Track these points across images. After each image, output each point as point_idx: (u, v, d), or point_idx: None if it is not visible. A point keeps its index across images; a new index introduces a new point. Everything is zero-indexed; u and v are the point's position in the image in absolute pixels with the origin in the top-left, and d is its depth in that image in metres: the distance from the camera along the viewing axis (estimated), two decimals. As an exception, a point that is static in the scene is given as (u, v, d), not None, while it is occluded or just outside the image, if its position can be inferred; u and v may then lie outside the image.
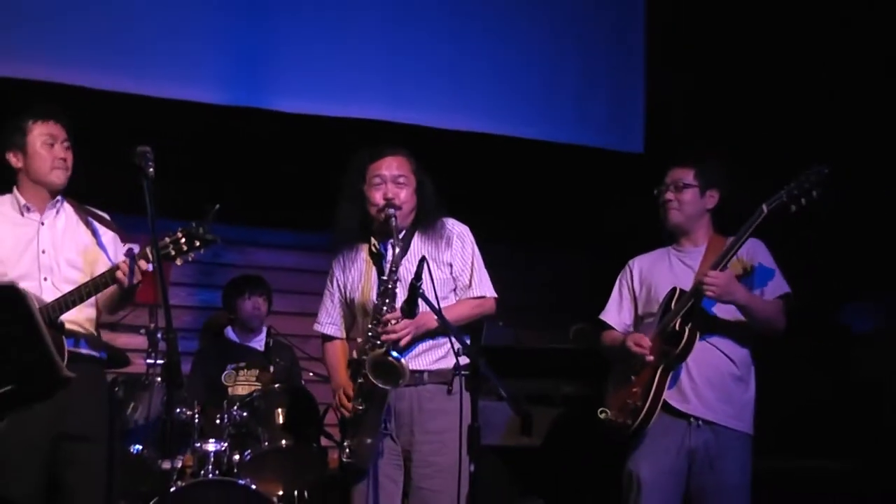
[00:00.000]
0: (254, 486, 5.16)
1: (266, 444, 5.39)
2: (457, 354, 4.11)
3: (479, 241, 4.50)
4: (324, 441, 5.75)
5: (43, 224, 4.32)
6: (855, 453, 6.13)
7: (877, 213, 6.56)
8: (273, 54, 6.70)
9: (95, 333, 4.38)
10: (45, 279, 4.24)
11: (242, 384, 5.95)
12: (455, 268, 4.39)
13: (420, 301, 4.07)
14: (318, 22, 6.79)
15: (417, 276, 4.02)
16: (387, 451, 4.26)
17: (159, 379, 5.29)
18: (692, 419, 4.36)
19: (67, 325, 4.16)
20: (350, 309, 4.45)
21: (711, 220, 4.57)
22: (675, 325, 4.33)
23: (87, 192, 4.52)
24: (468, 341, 4.22)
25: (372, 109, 6.77)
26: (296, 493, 5.61)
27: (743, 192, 4.48)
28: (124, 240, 4.32)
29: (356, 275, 4.40)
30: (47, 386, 4.01)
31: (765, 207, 4.23)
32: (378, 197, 4.30)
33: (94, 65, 6.24)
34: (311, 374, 6.10)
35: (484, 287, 4.42)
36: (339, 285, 4.46)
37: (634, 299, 4.63)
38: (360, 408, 4.19)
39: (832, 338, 6.66)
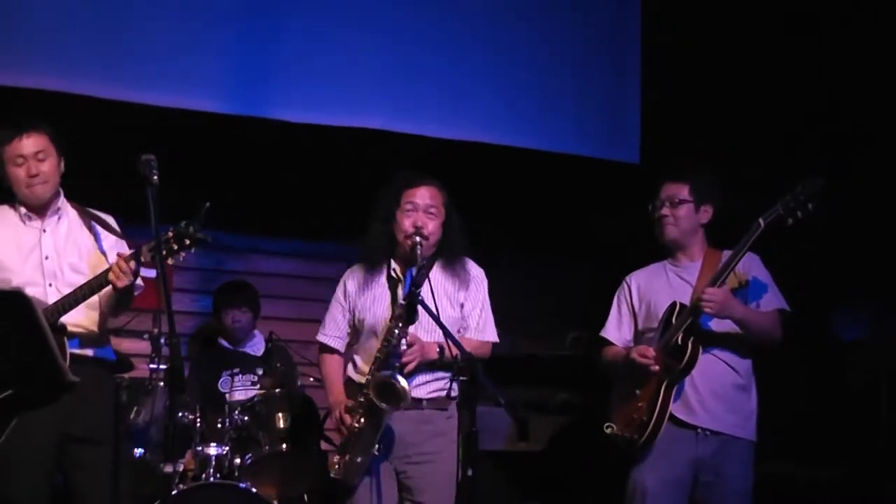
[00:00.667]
0: (254, 490, 5.17)
1: (266, 448, 5.41)
2: (452, 379, 4.16)
3: (478, 250, 4.53)
4: (324, 445, 5.77)
5: (45, 231, 4.34)
6: (846, 461, 6.14)
7: (866, 223, 6.57)
8: (275, 65, 6.70)
9: (100, 336, 4.39)
10: (50, 285, 4.27)
11: (239, 390, 5.96)
12: (466, 308, 4.44)
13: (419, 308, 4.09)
14: (319, 33, 6.79)
15: (417, 282, 4.05)
16: (382, 469, 4.28)
17: (162, 383, 5.31)
18: (699, 430, 4.38)
19: (70, 328, 4.19)
20: (357, 327, 4.47)
21: (705, 234, 4.59)
22: (677, 339, 4.35)
23: (90, 200, 4.54)
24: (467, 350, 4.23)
25: (372, 119, 6.78)
26: (296, 496, 5.61)
27: (738, 204, 4.50)
28: (131, 246, 4.29)
29: (371, 297, 4.42)
30: (52, 391, 4.03)
31: (762, 221, 4.26)
32: (408, 224, 4.34)
33: (97, 74, 6.24)
34: (311, 379, 6.10)
35: (488, 332, 4.50)
36: (350, 301, 4.48)
37: (634, 315, 4.65)
38: (357, 425, 4.21)
39: (824, 347, 6.67)
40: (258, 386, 5.95)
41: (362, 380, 4.31)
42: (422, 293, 4.17)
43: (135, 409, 5.33)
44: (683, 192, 4.52)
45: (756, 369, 4.49)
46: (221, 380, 6.05)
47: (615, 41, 7.69)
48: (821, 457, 6.19)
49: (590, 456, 4.67)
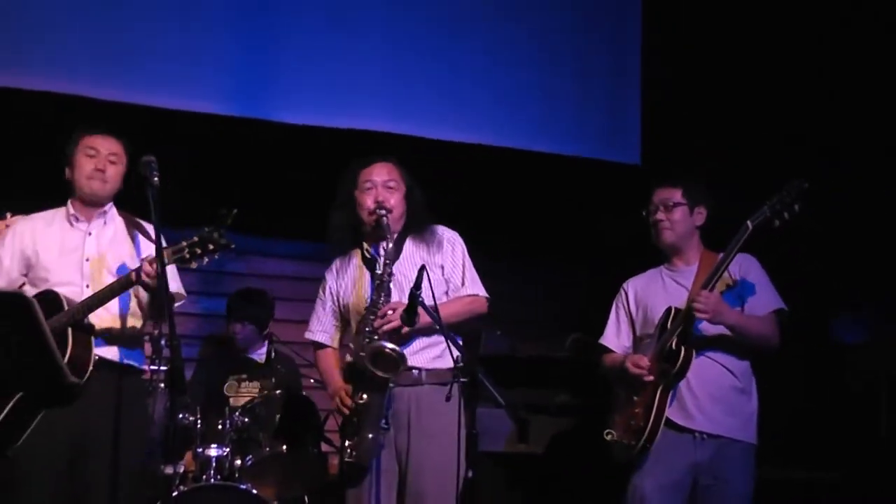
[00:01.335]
0: (254, 491, 5.17)
1: (267, 449, 5.39)
2: (455, 361, 4.13)
3: (478, 253, 4.52)
4: (324, 447, 5.76)
5: (90, 234, 4.40)
6: (846, 463, 6.13)
7: (866, 224, 6.56)
8: (277, 67, 6.73)
9: (129, 340, 4.41)
10: (87, 286, 4.32)
11: (244, 395, 5.96)
12: (446, 269, 4.44)
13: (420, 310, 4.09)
14: (321, 36, 6.81)
15: (417, 284, 4.05)
16: (385, 450, 4.27)
17: (162, 385, 5.30)
18: (697, 434, 4.38)
19: (99, 329, 4.23)
20: (344, 315, 4.48)
21: (700, 236, 4.60)
22: (671, 344, 4.36)
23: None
24: (460, 342, 4.22)
25: (373, 121, 6.79)
26: (296, 498, 5.61)
27: (734, 205, 4.49)
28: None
29: (349, 281, 4.44)
30: (56, 392, 4.04)
31: (749, 224, 4.27)
32: (369, 201, 4.36)
33: (98, 75, 6.26)
34: (312, 380, 6.10)
35: (476, 286, 4.47)
36: (331, 293, 4.50)
37: (632, 321, 4.65)
38: (361, 401, 4.21)
39: (823, 349, 6.67)
40: (259, 387, 5.96)
41: (360, 352, 4.30)
42: (399, 269, 4.23)
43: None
44: (676, 195, 4.53)
45: (755, 371, 4.49)
46: (227, 384, 6.06)
47: (615, 41, 7.70)
48: (820, 460, 6.18)
49: (590, 458, 4.66)
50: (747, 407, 4.44)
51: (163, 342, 5.45)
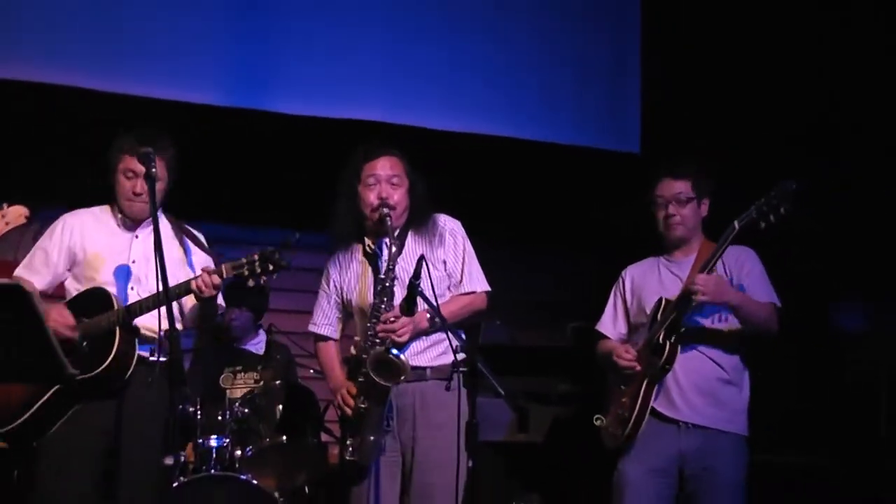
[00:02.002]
0: (255, 481, 5.18)
1: (267, 439, 5.42)
2: (455, 351, 4.13)
3: (477, 242, 4.51)
4: (324, 437, 5.77)
5: (136, 237, 4.43)
6: (846, 453, 6.15)
7: (866, 218, 6.56)
8: (273, 57, 6.73)
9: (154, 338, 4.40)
10: (132, 288, 4.36)
11: (240, 387, 5.97)
12: (448, 263, 4.41)
13: (419, 299, 4.09)
14: (317, 25, 6.81)
15: (416, 274, 4.04)
16: (387, 448, 4.28)
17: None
18: (681, 424, 4.39)
19: (143, 332, 4.26)
20: (347, 310, 4.47)
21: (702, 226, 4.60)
22: (658, 337, 4.37)
23: (90, 194, 4.55)
24: (463, 336, 4.23)
25: (370, 111, 6.79)
26: (296, 488, 5.62)
27: (736, 194, 4.49)
28: (217, 263, 4.28)
29: (352, 276, 4.42)
30: (53, 383, 4.07)
31: (736, 224, 4.26)
32: (372, 197, 4.33)
33: (92, 66, 6.27)
34: (311, 371, 6.11)
35: (475, 282, 4.44)
36: (335, 286, 4.47)
37: (626, 309, 4.66)
38: (363, 406, 4.20)
39: (823, 341, 6.67)
40: (258, 377, 5.96)
41: (362, 355, 4.30)
42: (401, 265, 4.20)
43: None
44: (688, 188, 4.50)
45: (749, 364, 4.48)
46: (223, 376, 6.06)
47: (615, 29, 7.69)
48: (820, 449, 6.19)
49: (590, 447, 4.67)
50: (736, 399, 4.44)
51: (161, 333, 5.49)
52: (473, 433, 3.90)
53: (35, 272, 4.43)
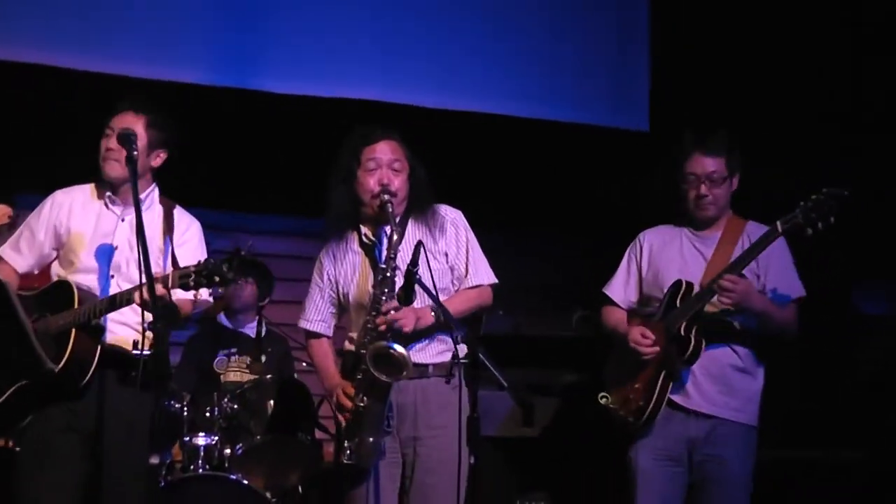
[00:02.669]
0: (246, 481, 5.19)
1: (258, 437, 5.43)
2: (455, 342, 4.13)
3: (477, 225, 4.50)
4: (318, 434, 5.78)
5: (123, 220, 4.34)
6: (863, 443, 6.15)
7: (888, 199, 6.56)
8: (261, 34, 6.71)
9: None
10: (112, 276, 4.27)
11: (234, 370, 5.98)
12: (450, 256, 4.39)
13: (417, 288, 4.09)
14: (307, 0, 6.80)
15: (413, 261, 4.04)
16: (387, 449, 4.26)
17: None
18: (690, 411, 4.41)
19: (111, 325, 4.20)
20: (342, 303, 4.43)
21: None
22: (679, 327, 4.36)
23: (73, 177, 4.53)
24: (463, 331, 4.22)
25: (365, 90, 6.78)
26: (289, 488, 5.63)
27: (751, 172, 4.49)
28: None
29: (348, 268, 4.38)
30: (33, 379, 4.05)
31: (779, 226, 4.24)
32: (372, 182, 4.29)
33: (74, 44, 6.25)
34: (304, 364, 6.11)
35: (481, 275, 4.42)
36: (329, 279, 4.43)
37: (641, 277, 4.64)
38: (362, 404, 4.18)
39: (843, 325, 6.67)
40: (249, 370, 5.98)
41: (360, 350, 4.28)
42: (401, 255, 4.15)
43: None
44: (722, 167, 4.48)
45: (765, 353, 4.49)
46: (217, 359, 6.07)
47: (622, 1, 7.66)
48: (840, 439, 6.20)
49: (599, 441, 4.68)
50: (749, 388, 4.45)
51: (146, 326, 5.49)
52: (475, 428, 3.90)
53: (19, 251, 4.38)
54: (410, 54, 7.05)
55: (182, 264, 4.21)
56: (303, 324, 4.50)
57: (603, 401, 4.53)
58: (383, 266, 4.21)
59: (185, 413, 5.43)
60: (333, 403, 4.32)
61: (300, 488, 5.66)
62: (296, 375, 6.14)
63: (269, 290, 6.40)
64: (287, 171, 6.72)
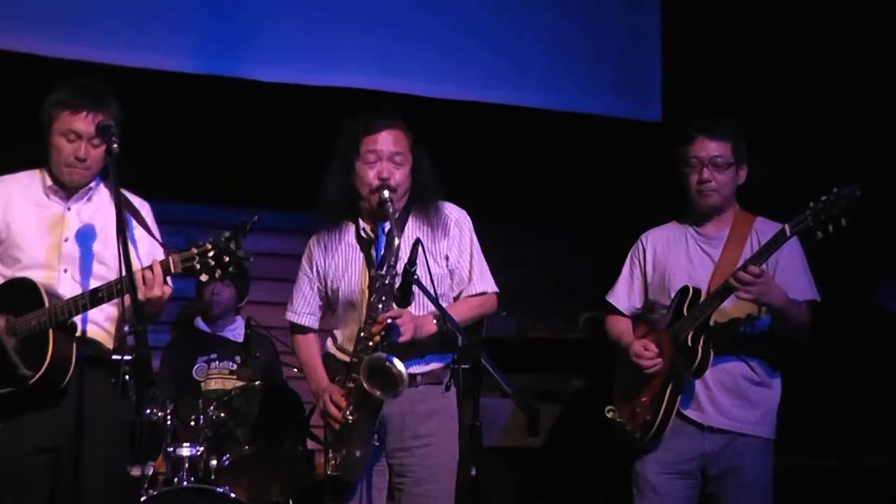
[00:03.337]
0: (232, 494, 5.19)
1: (246, 447, 5.44)
2: (454, 350, 4.12)
3: (479, 221, 4.49)
4: (310, 444, 5.77)
5: (69, 210, 4.27)
6: (887, 448, 6.15)
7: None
8: (248, 17, 6.69)
9: (118, 336, 4.34)
10: (65, 270, 4.20)
11: (215, 378, 5.99)
12: (452, 259, 4.37)
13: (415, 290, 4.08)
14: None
15: (412, 260, 4.01)
16: (373, 460, 4.25)
17: (127, 377, 5.29)
18: (706, 426, 4.40)
19: (85, 328, 4.15)
20: (330, 299, 4.41)
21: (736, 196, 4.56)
22: (687, 337, 4.34)
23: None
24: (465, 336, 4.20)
25: (359, 78, 6.75)
26: (279, 501, 5.62)
27: (766, 165, 4.47)
28: (167, 252, 4.08)
29: (340, 261, 4.37)
30: (15, 387, 4.02)
31: (787, 230, 4.18)
32: (372, 175, 4.27)
33: (52, 31, 6.23)
34: (294, 369, 6.10)
35: (485, 282, 4.41)
36: (319, 271, 4.42)
37: (645, 282, 4.63)
38: (351, 418, 4.17)
39: (865, 324, 6.66)
40: (236, 377, 5.96)
41: (345, 358, 4.27)
42: (402, 258, 4.11)
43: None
44: (727, 152, 4.45)
45: (780, 362, 4.47)
46: (196, 366, 6.08)
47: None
48: (862, 446, 6.20)
49: (607, 452, 4.68)
50: (768, 400, 4.45)
51: (126, 328, 5.48)
52: (477, 438, 3.89)
53: None
54: (408, 39, 7.03)
55: (141, 250, 4.16)
56: (289, 316, 4.49)
57: (610, 414, 4.54)
58: (382, 273, 4.17)
59: (169, 422, 5.43)
60: (319, 408, 4.31)
61: (291, 502, 5.66)
62: (285, 381, 6.14)
63: (247, 290, 6.40)
64: (275, 165, 6.72)
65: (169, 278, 4.04)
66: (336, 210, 4.38)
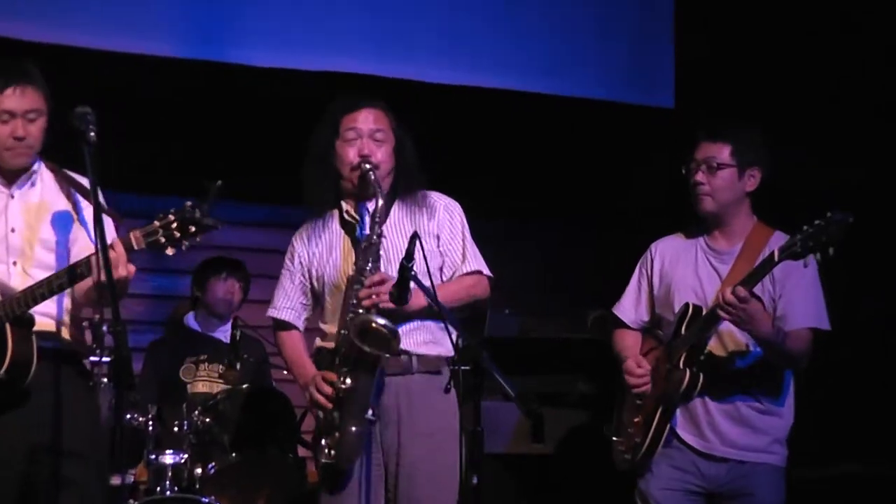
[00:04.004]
0: (218, 504, 5.19)
1: (233, 454, 5.42)
2: (455, 345, 4.11)
3: (481, 213, 4.50)
4: (301, 451, 5.76)
5: (13, 197, 4.20)
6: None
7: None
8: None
9: (74, 328, 4.26)
10: (15, 263, 4.13)
11: (203, 380, 5.99)
12: (443, 239, 4.40)
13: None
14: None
15: (408, 255, 4.02)
16: (370, 463, 4.25)
17: (106, 379, 5.30)
18: (707, 454, 4.38)
19: (40, 319, 4.07)
20: (316, 291, 4.44)
21: (751, 205, 4.49)
22: (679, 359, 4.32)
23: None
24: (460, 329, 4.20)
25: (353, 62, 6.80)
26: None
27: (785, 159, 4.44)
28: (118, 222, 4.06)
29: (324, 248, 4.40)
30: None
31: (776, 255, 4.11)
32: (352, 154, 4.31)
33: (30, 15, 6.23)
34: (284, 372, 6.09)
35: (478, 262, 4.43)
36: (301, 263, 4.45)
37: (652, 294, 4.61)
38: (344, 386, 4.16)
39: (878, 324, 6.66)
40: (223, 380, 5.97)
41: (342, 331, 4.28)
42: (387, 233, 4.18)
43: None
44: (723, 153, 4.40)
45: (787, 386, 4.43)
46: (184, 367, 6.06)
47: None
48: (881, 451, 6.22)
49: (611, 459, 4.68)
50: (774, 427, 4.40)
51: (105, 328, 5.47)
52: (478, 443, 3.88)
53: None
54: (408, 21, 7.05)
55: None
56: (272, 312, 4.54)
57: (607, 432, 4.57)
58: (367, 233, 4.23)
59: (150, 428, 5.42)
60: (308, 397, 4.30)
61: (281, 512, 5.67)
62: (275, 384, 6.13)
63: (247, 291, 6.41)
64: (264, 154, 6.71)
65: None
66: (318, 195, 4.42)
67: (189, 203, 3.83)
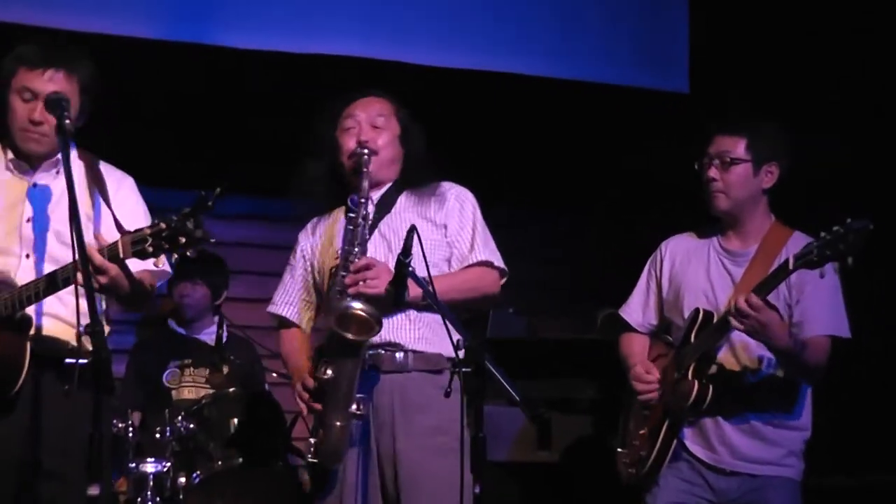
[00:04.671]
0: (203, 516, 5.19)
1: (219, 462, 5.44)
2: (455, 346, 4.08)
3: (484, 204, 4.47)
4: (292, 459, 5.75)
5: (35, 186, 4.18)
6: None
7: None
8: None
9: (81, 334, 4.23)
10: (27, 256, 4.11)
11: (189, 386, 5.98)
12: (451, 229, 4.38)
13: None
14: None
15: (406, 250, 3.97)
16: (364, 456, 4.22)
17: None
18: (718, 469, 4.36)
19: (41, 323, 4.06)
20: (317, 284, 4.43)
21: (769, 202, 4.45)
22: (688, 370, 4.30)
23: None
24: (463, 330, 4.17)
25: (346, 44, 6.81)
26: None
27: (804, 147, 4.41)
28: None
29: (325, 238, 4.42)
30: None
31: (791, 262, 4.04)
32: (350, 142, 4.33)
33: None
34: (274, 374, 6.09)
35: (489, 252, 4.39)
36: (303, 255, 4.48)
37: (660, 296, 4.59)
38: (325, 377, 4.13)
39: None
40: (209, 384, 5.95)
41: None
42: (388, 224, 4.19)
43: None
44: (738, 148, 4.37)
45: (803, 397, 4.40)
46: (167, 371, 6.05)
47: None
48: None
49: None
50: (789, 440, 4.37)
51: (81, 329, 5.43)
52: (481, 451, 3.86)
53: None
54: (405, 2, 7.02)
55: (104, 227, 4.05)
56: (270, 308, 4.53)
57: (614, 443, 4.58)
58: (352, 215, 4.23)
59: (131, 435, 5.40)
60: (297, 390, 4.28)
61: (270, 523, 5.66)
62: (266, 388, 6.12)
63: (225, 285, 6.36)
64: (251, 142, 6.70)
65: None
66: (324, 193, 4.44)
67: (185, 210, 3.72)
